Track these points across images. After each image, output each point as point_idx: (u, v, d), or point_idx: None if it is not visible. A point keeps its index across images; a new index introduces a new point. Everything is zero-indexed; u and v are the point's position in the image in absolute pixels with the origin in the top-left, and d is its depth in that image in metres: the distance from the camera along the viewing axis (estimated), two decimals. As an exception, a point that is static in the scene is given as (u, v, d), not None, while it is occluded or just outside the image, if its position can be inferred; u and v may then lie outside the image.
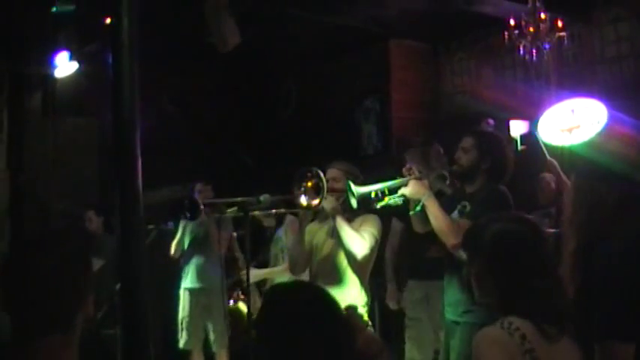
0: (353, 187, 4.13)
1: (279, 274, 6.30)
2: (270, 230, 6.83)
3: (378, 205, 4.22)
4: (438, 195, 4.17)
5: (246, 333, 5.32)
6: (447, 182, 4.29)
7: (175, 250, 6.85)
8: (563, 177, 5.70)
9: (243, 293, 6.82)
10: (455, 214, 4.11)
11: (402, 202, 4.20)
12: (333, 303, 2.21)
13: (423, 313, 5.34)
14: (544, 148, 6.05)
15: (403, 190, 4.09)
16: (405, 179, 4.12)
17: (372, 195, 4.18)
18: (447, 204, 4.11)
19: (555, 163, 6.01)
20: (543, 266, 2.42)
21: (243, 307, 7.05)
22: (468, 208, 4.05)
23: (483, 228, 2.49)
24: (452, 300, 4.10)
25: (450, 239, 3.92)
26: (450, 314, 4.12)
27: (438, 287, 4.53)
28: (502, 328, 2.30)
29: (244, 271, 5.76)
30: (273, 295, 2.30)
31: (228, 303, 6.99)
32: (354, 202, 4.14)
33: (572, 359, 2.38)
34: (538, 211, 6.46)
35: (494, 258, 2.41)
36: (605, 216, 2.69)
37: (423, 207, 4.04)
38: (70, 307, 2.04)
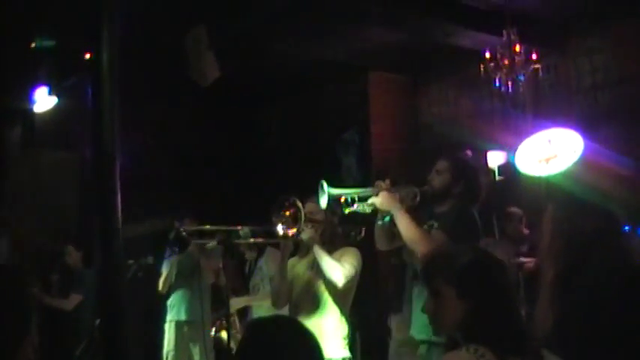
0: (325, 186, 4.14)
1: (259, 300, 6.30)
2: (250, 262, 6.83)
3: (346, 211, 4.24)
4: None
5: None
6: (417, 200, 4.30)
7: (163, 286, 6.82)
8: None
9: (226, 321, 6.78)
10: None
11: (370, 211, 4.21)
12: (311, 338, 2.21)
13: None
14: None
15: (374, 200, 4.10)
16: (376, 189, 4.14)
17: (342, 200, 4.20)
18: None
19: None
20: (508, 297, 2.42)
21: (225, 335, 7.01)
22: (436, 225, 4.08)
23: (450, 258, 2.49)
24: (423, 320, 4.09)
25: (422, 248, 3.92)
26: (423, 334, 4.09)
27: None
28: (467, 352, 2.30)
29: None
30: (252, 329, 2.30)
31: (216, 332, 6.97)
32: (324, 202, 4.14)
33: None
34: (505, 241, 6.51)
35: (462, 287, 2.41)
36: (582, 246, 2.71)
37: (391, 219, 4.06)
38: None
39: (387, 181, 4.21)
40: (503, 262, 2.60)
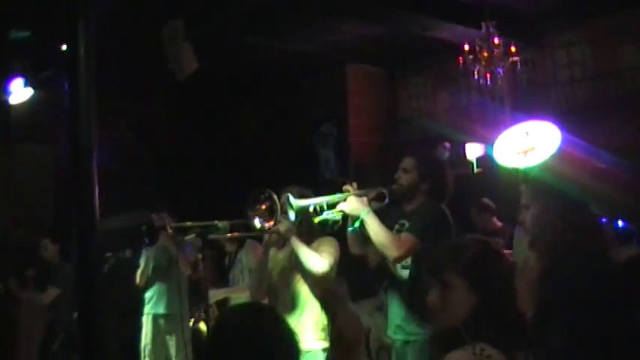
0: (291, 199, 4.12)
1: (238, 292, 6.30)
2: (230, 255, 6.81)
3: (316, 220, 4.22)
4: (375, 214, 4.17)
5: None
6: (386, 200, 4.28)
7: (140, 279, 6.80)
8: None
9: (205, 313, 6.76)
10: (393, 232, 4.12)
11: (340, 218, 4.20)
12: (285, 326, 2.19)
13: None
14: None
15: (342, 206, 4.09)
16: (344, 195, 4.13)
17: (311, 209, 4.18)
18: (384, 222, 4.12)
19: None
20: (513, 289, 2.41)
21: (204, 326, 6.99)
22: (407, 225, 4.08)
23: (459, 249, 2.46)
24: (398, 320, 4.10)
25: (392, 252, 3.93)
26: (399, 335, 4.10)
27: None
28: (474, 354, 2.27)
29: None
30: (226, 315, 2.28)
31: (194, 324, 6.95)
32: (292, 215, 4.13)
33: None
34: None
35: (473, 279, 2.38)
36: (567, 242, 2.72)
37: (362, 224, 4.05)
38: None
39: (354, 185, 4.20)
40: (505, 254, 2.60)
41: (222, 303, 6.66)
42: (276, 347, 2.11)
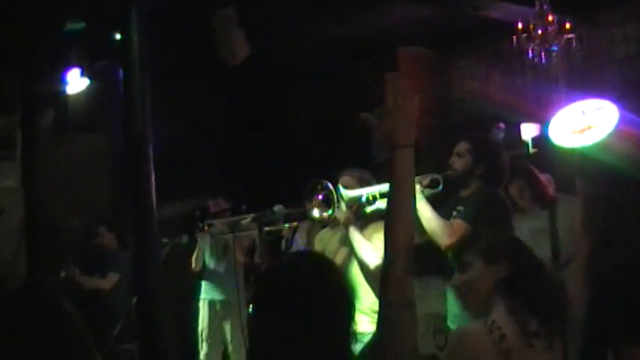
0: (342, 190, 4.11)
1: None
2: (287, 240, 6.84)
3: (369, 210, 4.19)
4: (431, 200, 4.13)
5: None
6: (440, 187, 4.24)
7: (196, 264, 6.91)
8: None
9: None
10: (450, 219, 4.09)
11: None
12: (332, 269, 2.15)
13: None
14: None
15: None
16: None
17: (363, 200, 4.15)
18: (441, 209, 4.09)
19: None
20: (536, 269, 2.42)
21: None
22: (462, 210, 4.04)
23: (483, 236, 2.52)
24: (455, 310, 4.07)
25: (444, 240, 3.91)
26: (456, 324, 4.08)
27: None
28: (484, 324, 2.30)
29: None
30: (272, 267, 2.27)
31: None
32: (344, 207, 4.11)
33: None
34: None
35: (493, 256, 2.42)
36: (621, 222, 2.68)
37: (415, 212, 4.03)
38: None
39: None
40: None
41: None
42: (331, 293, 2.04)
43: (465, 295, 2.51)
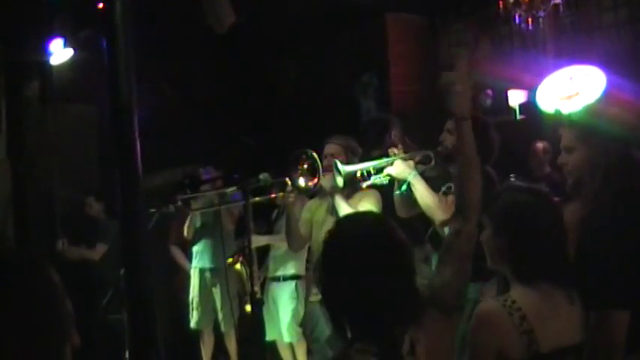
0: (340, 165, 4.15)
1: (278, 240, 6.36)
2: (279, 208, 6.82)
3: (364, 185, 4.24)
4: (423, 177, 4.17)
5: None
6: (432, 163, 4.27)
7: (188, 232, 6.93)
8: None
9: (244, 257, 6.76)
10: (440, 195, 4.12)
11: (387, 181, 4.21)
12: (394, 230, 2.21)
13: None
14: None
15: (389, 170, 4.10)
16: (390, 159, 4.14)
17: (358, 174, 4.21)
18: (432, 186, 4.12)
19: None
20: (556, 233, 2.44)
21: (239, 267, 6.96)
22: (453, 188, 4.06)
23: (498, 196, 2.55)
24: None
25: (438, 215, 3.95)
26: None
27: None
28: (503, 307, 2.34)
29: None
30: (339, 226, 2.31)
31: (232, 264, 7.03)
32: (340, 181, 4.15)
33: (572, 337, 2.40)
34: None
35: (507, 223, 2.44)
36: (616, 183, 2.68)
37: (409, 187, 4.05)
38: None
39: (400, 148, 4.19)
40: (553, 199, 2.61)
41: (264, 249, 6.73)
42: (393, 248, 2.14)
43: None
